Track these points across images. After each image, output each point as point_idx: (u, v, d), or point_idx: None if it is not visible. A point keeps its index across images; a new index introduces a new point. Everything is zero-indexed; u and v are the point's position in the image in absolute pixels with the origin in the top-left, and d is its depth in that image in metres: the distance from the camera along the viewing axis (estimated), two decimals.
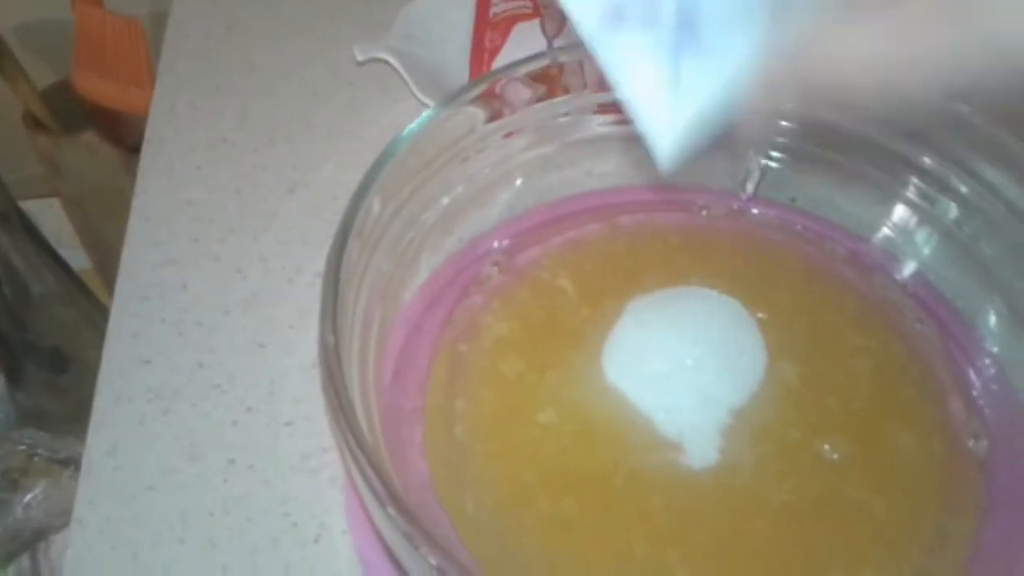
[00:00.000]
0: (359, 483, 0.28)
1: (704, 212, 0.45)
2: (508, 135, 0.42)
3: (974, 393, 0.39)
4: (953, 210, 0.39)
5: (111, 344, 0.44)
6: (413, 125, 0.36)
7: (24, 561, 0.62)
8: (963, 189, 0.38)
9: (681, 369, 0.38)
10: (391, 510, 0.27)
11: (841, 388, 0.39)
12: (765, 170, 0.44)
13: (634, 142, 0.45)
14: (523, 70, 0.41)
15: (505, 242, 0.43)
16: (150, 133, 0.55)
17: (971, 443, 0.37)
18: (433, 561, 0.27)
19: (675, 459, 0.36)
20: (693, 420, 0.37)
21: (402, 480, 0.34)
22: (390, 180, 0.36)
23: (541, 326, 0.41)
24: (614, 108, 0.43)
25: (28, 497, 0.60)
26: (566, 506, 0.35)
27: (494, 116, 0.41)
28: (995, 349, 0.39)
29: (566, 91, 0.42)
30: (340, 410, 0.28)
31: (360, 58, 0.53)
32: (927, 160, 0.39)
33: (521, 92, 0.42)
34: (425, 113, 0.37)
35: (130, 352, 0.44)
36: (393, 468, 0.33)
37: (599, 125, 0.44)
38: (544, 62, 0.41)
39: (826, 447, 0.36)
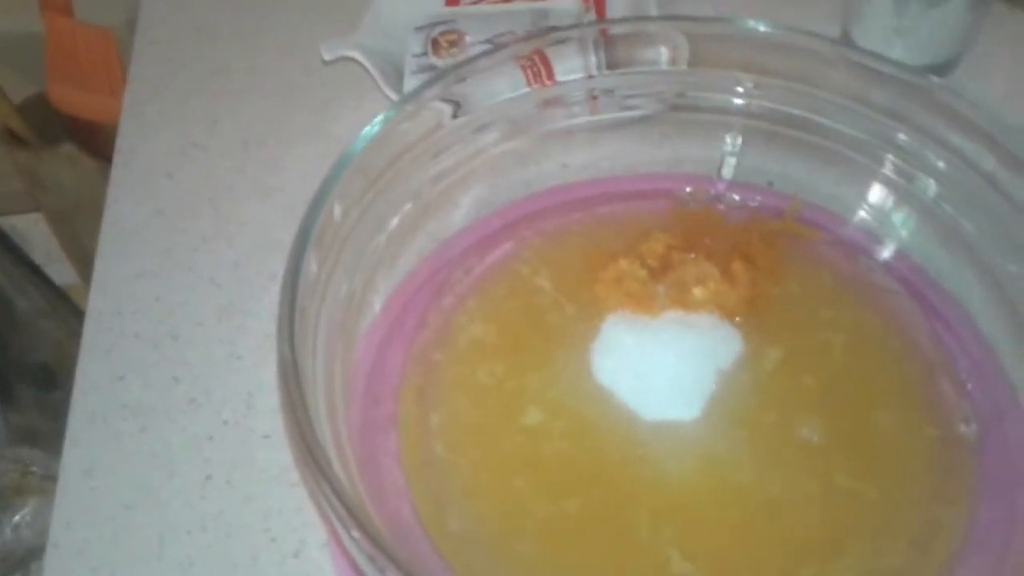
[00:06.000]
0: (321, 504, 0.27)
1: (683, 200, 0.44)
2: (478, 130, 0.41)
3: (963, 375, 0.38)
4: (932, 187, 0.38)
5: (85, 361, 0.44)
6: (370, 126, 0.35)
7: None
8: (940, 165, 0.37)
9: (664, 365, 0.38)
10: (355, 533, 0.26)
11: (824, 371, 0.38)
12: (741, 155, 0.43)
13: (606, 133, 0.45)
14: (486, 61, 0.40)
15: (479, 240, 0.42)
16: (120, 142, 0.54)
17: (962, 427, 0.37)
18: None
19: (666, 451, 0.36)
20: (680, 411, 0.37)
21: (376, 492, 0.33)
22: (351, 184, 0.35)
23: (520, 326, 0.40)
24: (581, 101, 0.42)
25: (16, 518, 0.60)
26: (568, 506, 0.35)
27: (461, 110, 0.40)
28: (982, 328, 0.38)
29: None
30: (298, 426, 0.27)
31: (327, 57, 0.52)
32: (903, 137, 0.38)
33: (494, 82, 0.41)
34: (383, 113, 0.36)
35: (104, 368, 0.43)
36: (365, 482, 0.32)
37: (569, 117, 0.43)
38: (510, 52, 0.40)
39: (805, 431, 0.36)
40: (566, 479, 0.35)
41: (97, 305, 0.46)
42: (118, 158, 0.53)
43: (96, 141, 0.79)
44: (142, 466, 0.40)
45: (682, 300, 0.39)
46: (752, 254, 0.40)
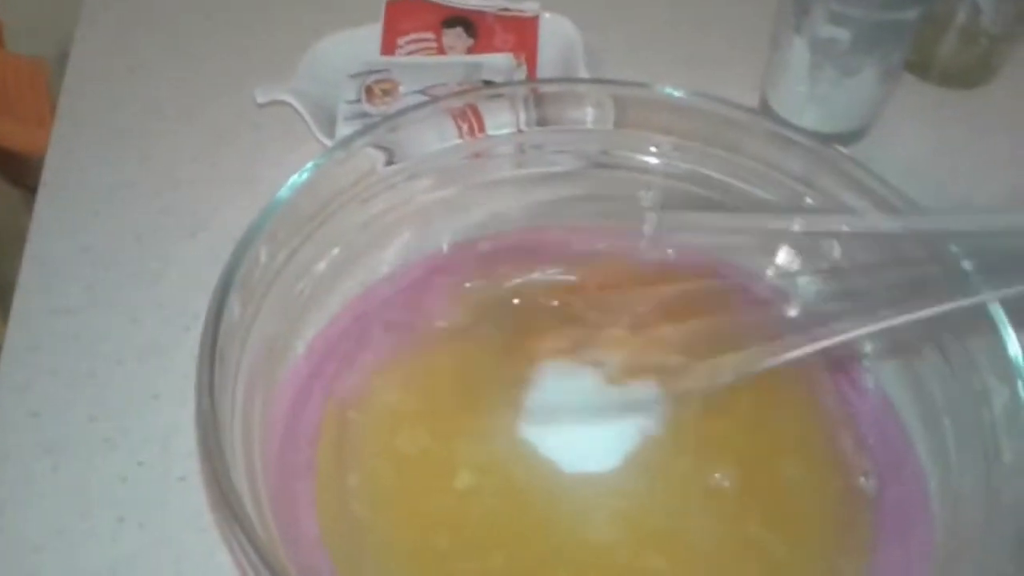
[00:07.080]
0: (236, 550, 0.27)
1: (605, 254, 0.45)
2: (410, 178, 0.42)
3: (864, 430, 0.40)
4: (836, 248, 0.40)
5: None
6: (299, 173, 0.36)
7: None
8: (844, 228, 0.39)
9: (586, 419, 0.39)
10: None
11: (736, 423, 0.39)
12: (662, 211, 0.45)
13: (533, 186, 0.46)
14: (419, 113, 0.41)
15: (404, 286, 0.43)
16: (47, 176, 0.53)
17: (862, 480, 0.38)
18: None
19: (588, 504, 0.37)
20: (602, 464, 0.38)
21: (292, 541, 0.33)
22: (278, 229, 0.36)
23: (445, 384, 0.40)
24: (510, 155, 0.43)
25: None
26: (492, 563, 0.35)
27: (395, 157, 0.41)
28: (883, 386, 0.40)
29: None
30: (213, 469, 0.28)
31: (261, 100, 0.52)
32: (810, 201, 0.40)
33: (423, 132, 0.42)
34: (313, 160, 0.37)
35: (18, 404, 0.42)
36: (281, 529, 0.32)
37: (498, 170, 0.44)
38: (444, 105, 0.41)
39: (717, 481, 0.37)
40: (487, 536, 0.35)
41: (14, 339, 0.45)
42: (44, 191, 0.52)
43: (19, 170, 0.78)
44: (53, 506, 0.39)
45: (603, 354, 0.40)
46: (670, 309, 0.42)
